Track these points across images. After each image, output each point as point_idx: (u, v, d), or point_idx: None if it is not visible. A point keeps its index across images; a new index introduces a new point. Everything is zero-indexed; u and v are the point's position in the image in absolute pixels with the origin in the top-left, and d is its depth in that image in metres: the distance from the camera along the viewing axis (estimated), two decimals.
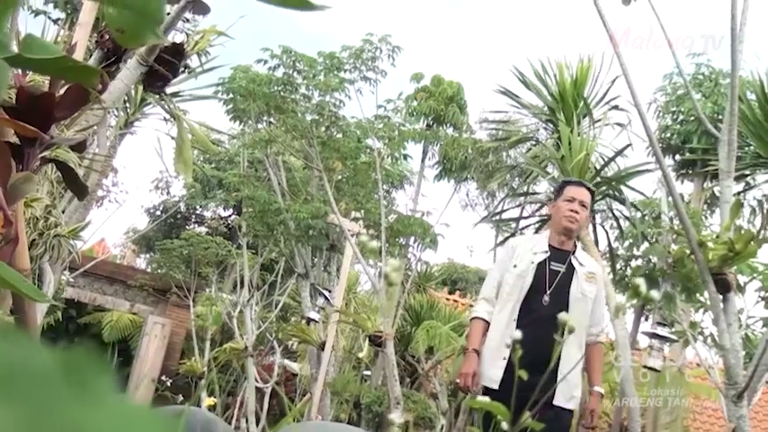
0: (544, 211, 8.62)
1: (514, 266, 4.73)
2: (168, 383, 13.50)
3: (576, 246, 4.90)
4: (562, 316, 1.83)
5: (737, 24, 5.41)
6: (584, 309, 4.66)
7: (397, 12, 39.82)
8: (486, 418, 4.44)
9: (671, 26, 5.73)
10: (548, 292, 4.62)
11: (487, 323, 4.72)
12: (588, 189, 5.01)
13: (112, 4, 0.74)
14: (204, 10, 3.78)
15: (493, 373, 4.52)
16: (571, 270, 4.71)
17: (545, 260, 4.72)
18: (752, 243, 5.13)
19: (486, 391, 4.48)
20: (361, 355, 13.11)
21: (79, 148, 2.10)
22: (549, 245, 4.80)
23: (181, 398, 7.68)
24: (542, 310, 4.50)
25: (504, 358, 4.48)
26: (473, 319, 4.86)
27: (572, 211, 4.77)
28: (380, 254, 10.44)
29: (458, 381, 4.67)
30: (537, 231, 8.52)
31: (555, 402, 4.42)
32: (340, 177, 11.97)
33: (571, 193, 4.85)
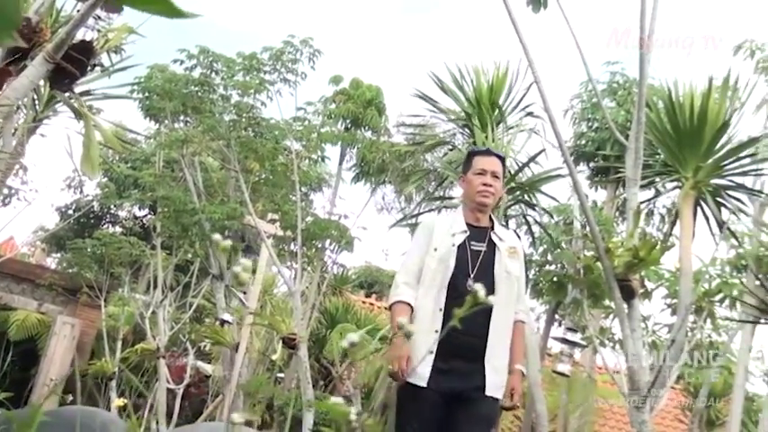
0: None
1: (435, 249, 4.38)
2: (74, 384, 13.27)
3: (492, 221, 4.58)
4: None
5: (646, 33, 5.54)
6: (511, 288, 4.39)
7: (319, 14, 39.78)
8: (403, 421, 4.32)
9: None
10: (471, 275, 4.29)
11: (412, 308, 4.30)
12: (498, 157, 4.67)
13: None
14: (116, 8, 3.73)
15: (421, 370, 4.16)
16: (492, 248, 4.42)
17: (465, 240, 4.40)
18: (655, 250, 5.25)
19: (414, 388, 4.16)
20: (274, 357, 13.08)
21: None
22: (467, 223, 4.48)
23: (71, 398, 7.49)
24: (468, 294, 4.05)
25: (432, 351, 4.15)
26: (396, 303, 4.36)
27: (485, 184, 4.47)
28: (296, 256, 10.42)
29: (390, 366, 4.27)
30: None
31: (488, 393, 4.20)
32: (257, 179, 11.90)
33: (481, 164, 4.54)
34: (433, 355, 4.16)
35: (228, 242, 1.34)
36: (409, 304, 4.32)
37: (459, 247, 4.37)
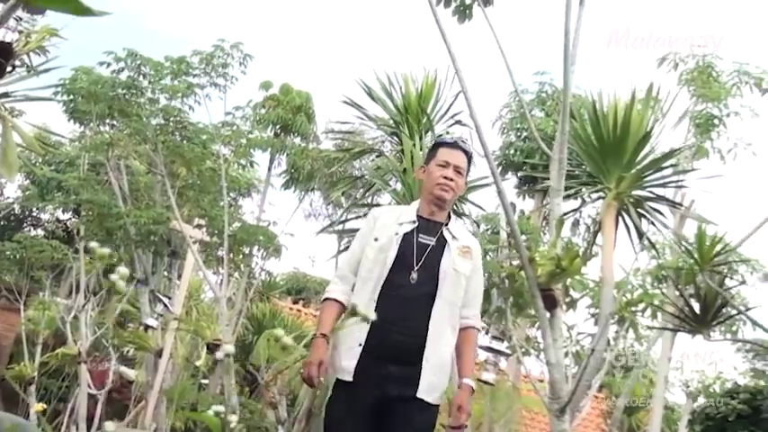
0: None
1: (375, 240, 4.15)
2: None
3: (449, 217, 4.31)
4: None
5: (570, 44, 5.62)
6: (457, 286, 4.12)
7: (249, 18, 39.59)
8: (331, 419, 4.08)
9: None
10: (415, 267, 4.04)
11: (343, 306, 4.08)
12: (465, 152, 4.36)
13: None
14: (39, 10, 3.67)
15: (346, 363, 3.96)
16: (442, 243, 4.14)
17: (412, 231, 4.14)
18: (577, 260, 5.32)
19: (340, 384, 3.99)
20: (198, 363, 12.96)
21: None
22: (418, 215, 4.22)
23: None
24: (409, 288, 4.00)
25: (360, 344, 3.94)
26: (325, 300, 4.17)
27: (446, 177, 4.19)
28: (222, 262, 10.33)
29: (302, 371, 4.01)
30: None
31: (418, 395, 3.93)
32: (184, 183, 11.77)
33: (445, 156, 4.26)
34: (360, 349, 3.95)
35: (107, 250, 1.33)
36: (338, 301, 4.12)
37: (404, 237, 4.13)
